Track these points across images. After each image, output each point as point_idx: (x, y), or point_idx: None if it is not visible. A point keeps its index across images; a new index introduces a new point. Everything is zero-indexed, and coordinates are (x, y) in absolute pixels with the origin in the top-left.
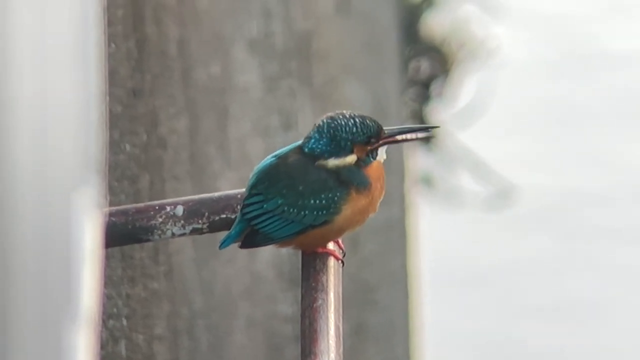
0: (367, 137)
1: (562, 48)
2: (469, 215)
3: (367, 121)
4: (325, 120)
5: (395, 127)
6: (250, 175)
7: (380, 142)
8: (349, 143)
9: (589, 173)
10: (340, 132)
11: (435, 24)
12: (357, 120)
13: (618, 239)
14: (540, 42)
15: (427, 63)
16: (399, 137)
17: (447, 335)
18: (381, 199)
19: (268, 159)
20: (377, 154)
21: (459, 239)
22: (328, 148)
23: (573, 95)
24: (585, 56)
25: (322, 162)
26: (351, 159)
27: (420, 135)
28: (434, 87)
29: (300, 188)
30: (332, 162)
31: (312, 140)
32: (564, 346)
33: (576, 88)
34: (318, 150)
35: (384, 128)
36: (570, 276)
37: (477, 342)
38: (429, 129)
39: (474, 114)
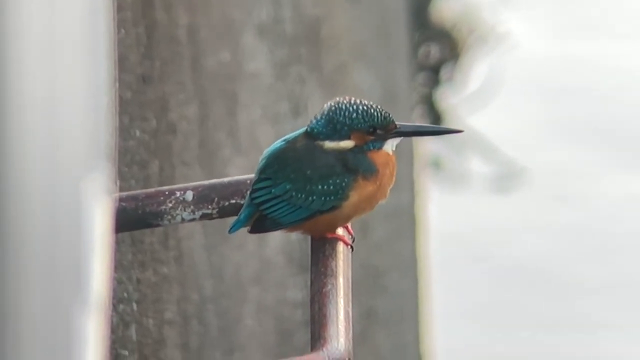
0: (370, 126)
1: (573, 33)
2: (479, 199)
3: (373, 111)
4: (329, 104)
5: (410, 124)
6: (260, 159)
7: (388, 135)
8: (345, 128)
9: (598, 150)
10: (338, 116)
11: (445, 8)
12: (361, 107)
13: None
14: (550, 27)
15: (437, 48)
16: (408, 132)
17: (457, 320)
18: (391, 186)
19: (277, 142)
20: (382, 145)
21: (468, 222)
22: (324, 130)
23: (583, 79)
24: (595, 39)
25: (319, 142)
26: (346, 144)
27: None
28: (444, 72)
29: (308, 173)
30: (328, 145)
31: (314, 121)
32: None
33: (586, 72)
34: (316, 130)
35: (400, 123)
36: (581, 256)
37: (487, 327)
38: (448, 132)
39: (483, 98)
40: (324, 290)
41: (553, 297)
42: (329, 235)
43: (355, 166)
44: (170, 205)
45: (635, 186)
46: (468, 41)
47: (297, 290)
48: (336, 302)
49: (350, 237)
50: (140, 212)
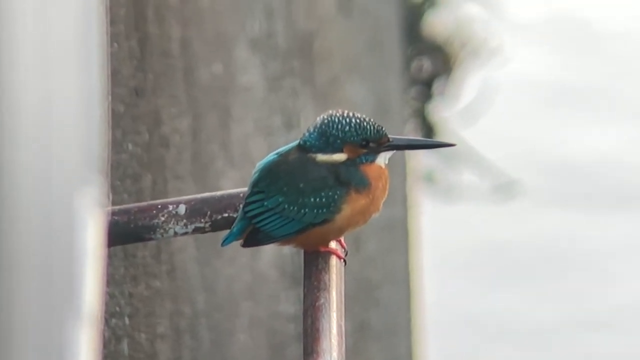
0: (362, 139)
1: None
2: (472, 212)
3: (366, 124)
4: (322, 116)
5: (403, 138)
6: (253, 172)
7: (381, 148)
8: (338, 141)
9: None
10: (331, 129)
11: (438, 23)
12: (353, 120)
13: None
14: (543, 41)
15: (429, 62)
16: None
17: (450, 333)
18: (384, 199)
19: (270, 155)
20: (374, 158)
21: (461, 236)
22: (317, 143)
23: (576, 92)
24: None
25: (312, 155)
26: (338, 157)
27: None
28: (436, 86)
29: (301, 185)
30: (320, 157)
31: (307, 134)
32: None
33: (580, 84)
34: (309, 143)
35: (392, 136)
36: (578, 268)
37: (481, 339)
38: (440, 145)
39: (476, 111)
40: (316, 304)
41: (548, 304)
42: (322, 249)
43: (348, 179)
44: (162, 219)
45: None
46: (460, 55)
47: (290, 304)
48: (329, 316)
49: (343, 250)
50: (132, 225)
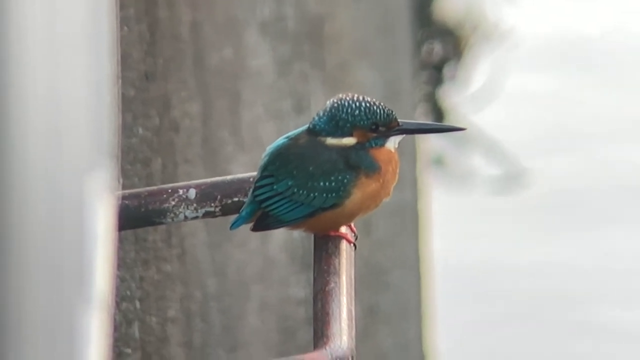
0: (372, 123)
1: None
2: (481, 198)
3: (376, 108)
4: (332, 100)
5: (413, 122)
6: (262, 156)
7: (391, 132)
8: (348, 125)
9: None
10: (341, 113)
11: (448, 6)
12: (363, 104)
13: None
14: (553, 25)
15: (439, 46)
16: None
17: (459, 318)
18: (394, 184)
19: (280, 139)
20: (384, 142)
21: (471, 222)
22: (326, 126)
23: (584, 76)
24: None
25: (321, 139)
26: (348, 140)
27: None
28: (447, 70)
29: (311, 169)
30: (330, 141)
31: (317, 118)
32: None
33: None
34: (318, 127)
35: (402, 120)
36: (582, 259)
37: (489, 324)
38: (451, 130)
39: (487, 96)
40: (326, 288)
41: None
42: (332, 233)
43: (357, 163)
44: (173, 203)
45: None
46: (471, 39)
47: (300, 288)
48: (339, 300)
49: (353, 234)
50: (143, 210)
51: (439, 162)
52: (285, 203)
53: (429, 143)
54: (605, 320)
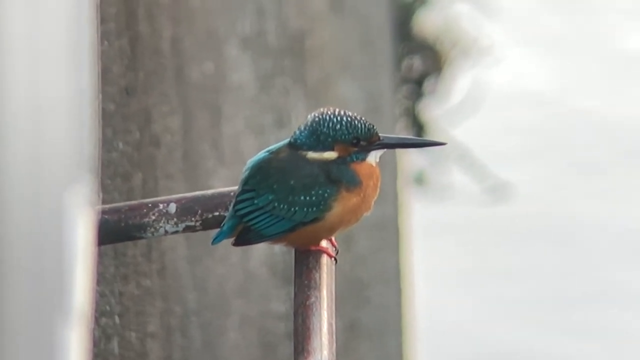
0: (353, 137)
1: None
2: (462, 212)
3: (357, 122)
4: (313, 114)
5: (394, 136)
6: (243, 170)
7: (372, 146)
8: (329, 139)
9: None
10: (322, 127)
11: (428, 22)
12: (344, 119)
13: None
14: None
15: (420, 61)
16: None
17: (439, 333)
18: (375, 198)
19: (261, 153)
20: (365, 156)
21: (451, 236)
22: (307, 140)
23: (566, 90)
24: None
25: (302, 152)
26: (329, 155)
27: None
28: (427, 84)
29: (292, 183)
30: (311, 155)
31: (298, 132)
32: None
33: (569, 83)
34: (300, 141)
35: (383, 135)
36: (565, 273)
37: (470, 339)
38: (431, 144)
39: (466, 111)
40: (307, 302)
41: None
42: (313, 248)
43: (338, 177)
44: (153, 217)
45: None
46: (451, 54)
47: (281, 303)
48: (320, 315)
49: (334, 249)
50: (123, 224)
51: (419, 178)
52: (266, 217)
53: (409, 157)
54: (606, 323)
